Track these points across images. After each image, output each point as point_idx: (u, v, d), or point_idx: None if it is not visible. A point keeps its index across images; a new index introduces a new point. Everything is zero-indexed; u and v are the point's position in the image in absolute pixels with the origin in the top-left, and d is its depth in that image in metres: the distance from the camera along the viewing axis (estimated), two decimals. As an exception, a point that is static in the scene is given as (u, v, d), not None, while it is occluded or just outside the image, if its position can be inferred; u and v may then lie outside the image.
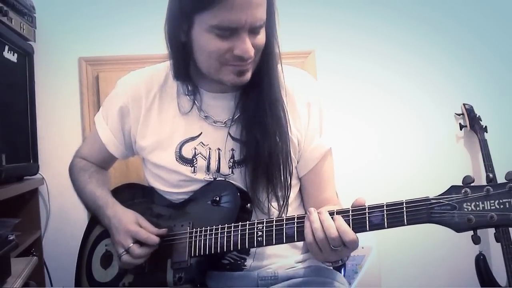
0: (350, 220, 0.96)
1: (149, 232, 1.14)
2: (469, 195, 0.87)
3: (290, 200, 1.20)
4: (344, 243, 0.96)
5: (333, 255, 0.99)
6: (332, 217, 0.98)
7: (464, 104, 2.25)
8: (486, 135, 2.19)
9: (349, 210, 0.97)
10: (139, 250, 1.13)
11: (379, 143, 2.26)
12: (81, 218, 1.92)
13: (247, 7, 1.01)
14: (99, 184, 1.29)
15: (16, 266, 1.24)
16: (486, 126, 2.21)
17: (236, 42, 1.05)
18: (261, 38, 1.09)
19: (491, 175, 0.89)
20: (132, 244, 1.13)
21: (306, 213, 1.02)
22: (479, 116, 2.23)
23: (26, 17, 1.83)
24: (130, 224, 1.16)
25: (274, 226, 1.03)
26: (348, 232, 0.95)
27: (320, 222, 0.97)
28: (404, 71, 2.26)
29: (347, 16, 2.21)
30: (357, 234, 0.96)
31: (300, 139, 1.21)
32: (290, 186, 1.18)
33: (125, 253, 1.14)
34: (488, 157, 2.12)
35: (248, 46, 1.05)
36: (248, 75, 1.12)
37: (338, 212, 0.98)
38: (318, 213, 0.99)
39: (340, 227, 0.96)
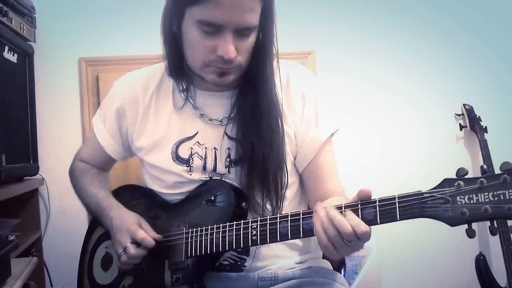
0: None
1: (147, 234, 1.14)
2: (462, 188, 0.85)
3: (289, 198, 1.19)
4: (357, 236, 0.91)
5: (348, 250, 0.95)
6: (341, 212, 0.92)
7: (464, 105, 2.25)
8: (486, 136, 2.18)
9: (341, 206, 0.93)
10: (135, 250, 1.13)
11: (379, 143, 2.26)
12: (81, 218, 1.93)
13: (235, 7, 1.01)
14: (101, 186, 1.30)
15: (16, 266, 1.23)
16: (486, 127, 2.21)
17: (220, 41, 1.04)
18: (250, 41, 1.08)
19: (485, 167, 0.88)
20: (129, 244, 1.13)
21: (308, 210, 1.00)
22: (479, 116, 2.22)
23: (26, 17, 1.82)
24: (131, 224, 1.16)
25: (268, 225, 1.02)
26: (360, 224, 0.90)
27: (330, 218, 0.92)
28: (404, 71, 2.26)
29: (346, 16, 2.21)
30: None
31: (296, 132, 1.19)
32: (286, 185, 1.16)
33: (124, 253, 1.14)
34: (488, 157, 2.12)
35: (229, 48, 1.04)
36: (230, 78, 1.11)
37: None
38: (326, 211, 0.94)
39: (351, 220, 0.91)
